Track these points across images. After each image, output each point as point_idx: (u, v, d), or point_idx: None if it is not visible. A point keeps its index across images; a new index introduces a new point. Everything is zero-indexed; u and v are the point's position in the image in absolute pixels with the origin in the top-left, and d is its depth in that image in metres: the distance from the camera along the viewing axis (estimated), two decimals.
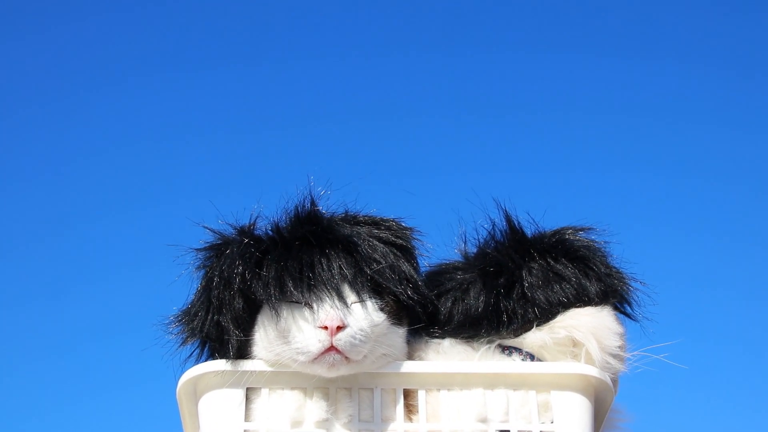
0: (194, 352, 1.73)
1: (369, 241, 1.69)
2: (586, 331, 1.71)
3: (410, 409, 1.69)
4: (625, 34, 5.65)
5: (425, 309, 1.73)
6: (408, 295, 1.68)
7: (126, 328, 4.78)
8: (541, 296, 1.74)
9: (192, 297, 1.73)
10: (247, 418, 1.64)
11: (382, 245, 1.69)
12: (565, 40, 5.66)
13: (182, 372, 1.70)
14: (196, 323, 1.69)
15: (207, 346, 1.72)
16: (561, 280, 1.76)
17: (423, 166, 5.48)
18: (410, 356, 1.74)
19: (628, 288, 1.82)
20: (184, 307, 1.74)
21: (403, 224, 1.77)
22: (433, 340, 1.77)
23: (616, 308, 1.81)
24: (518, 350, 1.75)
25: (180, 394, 1.71)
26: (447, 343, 1.77)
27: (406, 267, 1.70)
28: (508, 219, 1.85)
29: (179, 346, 1.73)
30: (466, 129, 5.58)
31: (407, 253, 1.74)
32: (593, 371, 1.68)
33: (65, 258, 5.52)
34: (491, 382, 1.67)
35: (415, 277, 1.71)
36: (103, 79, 5.60)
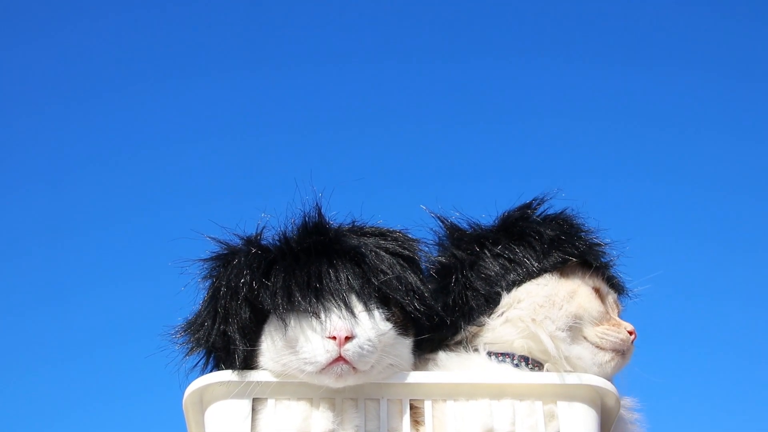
0: (200, 362, 1.74)
1: (376, 251, 1.69)
2: (528, 318, 1.73)
3: (416, 420, 1.69)
4: (582, 37, 5.68)
5: (431, 320, 1.74)
6: (414, 306, 1.69)
7: (133, 337, 4.77)
8: (482, 283, 1.78)
9: (198, 307, 1.73)
10: (253, 428, 1.63)
11: (388, 256, 1.70)
12: (541, 45, 5.69)
13: (188, 382, 1.70)
14: (202, 333, 1.69)
15: (213, 356, 1.73)
16: (501, 260, 1.80)
17: (421, 170, 5.49)
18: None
19: (577, 242, 1.84)
20: (190, 317, 1.74)
21: (410, 235, 1.78)
22: (426, 355, 1.78)
23: (567, 265, 1.81)
24: (510, 355, 1.75)
25: (186, 404, 1.71)
26: (442, 355, 1.77)
27: (412, 278, 1.71)
28: (442, 221, 1.89)
29: (185, 356, 1.73)
30: (465, 133, 5.59)
31: (413, 264, 1.75)
32: (599, 382, 1.69)
33: (71, 265, 5.51)
34: (497, 392, 1.68)
35: (421, 288, 1.71)
36: (108, 85, 5.61)
